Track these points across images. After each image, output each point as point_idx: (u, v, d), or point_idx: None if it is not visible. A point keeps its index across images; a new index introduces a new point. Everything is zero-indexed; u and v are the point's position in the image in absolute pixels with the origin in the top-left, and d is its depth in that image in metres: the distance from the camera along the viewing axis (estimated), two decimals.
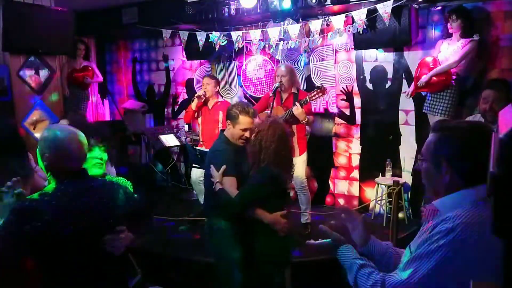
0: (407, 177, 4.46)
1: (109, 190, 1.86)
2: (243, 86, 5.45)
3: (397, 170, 4.50)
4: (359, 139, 4.76)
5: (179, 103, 6.04)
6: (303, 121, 3.77)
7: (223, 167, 2.48)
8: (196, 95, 4.52)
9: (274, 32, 4.29)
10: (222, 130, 2.78)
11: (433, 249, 1.23)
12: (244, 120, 2.62)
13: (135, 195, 2.00)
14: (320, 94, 3.78)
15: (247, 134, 2.62)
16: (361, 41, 4.24)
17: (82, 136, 1.78)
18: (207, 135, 4.49)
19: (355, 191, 4.85)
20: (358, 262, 1.43)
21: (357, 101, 4.73)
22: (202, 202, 4.59)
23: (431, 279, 1.22)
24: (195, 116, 4.60)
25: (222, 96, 5.56)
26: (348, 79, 4.76)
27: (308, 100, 3.76)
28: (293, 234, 2.53)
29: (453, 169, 1.30)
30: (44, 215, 1.59)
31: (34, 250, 1.61)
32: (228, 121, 2.69)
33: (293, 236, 2.56)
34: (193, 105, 4.48)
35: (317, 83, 4.90)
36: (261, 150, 2.35)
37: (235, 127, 2.64)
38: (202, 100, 4.45)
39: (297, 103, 3.69)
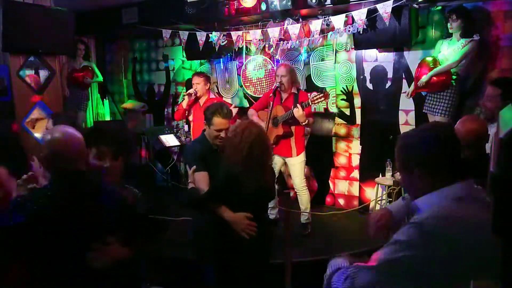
0: None
1: (105, 198, 1.80)
2: (243, 86, 5.45)
3: (397, 170, 4.50)
4: (359, 139, 4.76)
5: (179, 103, 6.04)
6: (303, 123, 3.78)
7: (193, 167, 2.51)
8: (186, 93, 4.52)
9: (274, 32, 4.29)
10: (203, 131, 2.83)
11: (400, 239, 1.26)
12: (217, 122, 2.65)
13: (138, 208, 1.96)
14: (323, 98, 3.77)
15: (222, 134, 2.65)
16: (361, 41, 4.24)
17: (77, 138, 1.77)
18: (198, 133, 4.48)
19: (355, 191, 4.85)
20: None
21: (357, 101, 4.73)
22: None
23: (393, 268, 1.25)
24: (186, 114, 4.59)
25: (218, 92, 5.57)
26: (348, 79, 4.76)
27: (310, 104, 3.76)
28: (264, 241, 2.43)
29: (424, 171, 1.33)
30: (28, 210, 1.58)
31: (19, 247, 1.59)
32: (205, 121, 2.75)
33: (264, 244, 2.45)
34: (184, 104, 4.48)
35: (317, 83, 4.91)
36: (233, 152, 2.29)
37: (210, 128, 2.69)
38: (193, 98, 4.44)
39: (298, 105, 3.68)
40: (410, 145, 1.38)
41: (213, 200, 2.37)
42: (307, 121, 3.77)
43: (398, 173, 1.51)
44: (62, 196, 1.67)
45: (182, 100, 4.53)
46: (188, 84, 5.90)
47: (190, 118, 4.62)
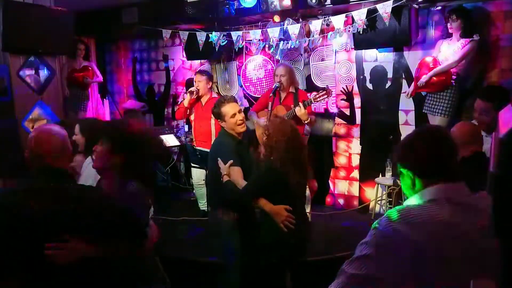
0: None
1: (85, 198, 1.73)
2: (243, 86, 5.45)
3: (397, 170, 4.49)
4: (359, 139, 4.76)
5: (179, 103, 6.03)
6: (305, 121, 3.77)
7: (230, 161, 2.55)
8: (188, 90, 4.50)
9: (274, 32, 4.29)
10: (221, 129, 2.87)
11: (370, 238, 1.29)
12: (227, 109, 2.71)
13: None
14: (326, 96, 3.76)
15: (239, 116, 2.71)
16: (361, 41, 4.24)
17: (59, 135, 1.78)
18: (199, 132, 4.48)
19: (355, 191, 4.85)
20: None
21: (357, 101, 4.73)
22: (201, 205, 4.61)
23: (363, 264, 1.25)
24: (187, 113, 4.58)
25: (218, 92, 5.57)
26: (348, 79, 4.76)
27: (313, 101, 3.75)
28: (301, 233, 2.48)
29: (413, 174, 1.38)
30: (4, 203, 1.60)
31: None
32: (218, 120, 2.81)
33: (301, 235, 2.50)
34: (185, 102, 4.46)
35: (317, 83, 4.91)
36: (272, 149, 2.38)
37: (225, 119, 2.73)
38: (195, 97, 4.42)
39: (300, 104, 3.68)
40: (398, 147, 1.45)
41: (255, 194, 2.43)
42: (309, 119, 3.77)
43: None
44: (33, 192, 1.64)
45: (183, 99, 4.51)
46: (189, 84, 5.91)
47: (192, 117, 4.61)
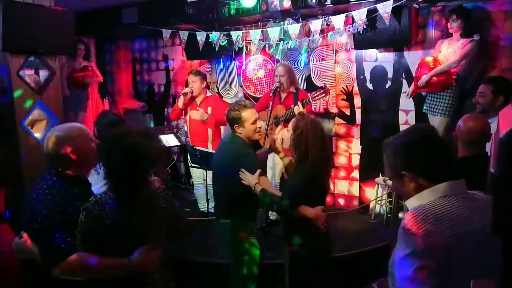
0: None
1: (49, 193, 1.76)
2: (243, 86, 5.45)
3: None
4: (359, 139, 4.76)
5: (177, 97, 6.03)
6: None
7: (259, 170, 2.51)
8: (182, 92, 4.49)
9: (274, 32, 4.29)
10: (233, 136, 2.75)
11: (411, 248, 1.25)
12: (249, 115, 2.65)
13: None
14: (323, 94, 3.76)
15: (258, 124, 2.67)
16: (361, 41, 4.24)
17: (48, 134, 1.86)
18: (195, 132, 4.48)
19: (355, 191, 4.85)
20: None
21: (357, 101, 4.73)
22: (200, 205, 4.61)
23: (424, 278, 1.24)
24: (182, 114, 4.58)
25: (218, 92, 5.57)
26: (348, 79, 4.76)
27: (311, 100, 3.75)
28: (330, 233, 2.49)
29: (415, 175, 1.35)
30: None
31: None
32: (235, 125, 2.69)
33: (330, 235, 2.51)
34: (180, 103, 4.46)
35: (317, 83, 4.91)
36: (308, 149, 2.34)
37: (244, 126, 2.66)
38: (189, 97, 4.42)
39: (299, 103, 3.68)
40: (395, 150, 1.41)
41: (301, 200, 2.37)
42: None
43: (389, 180, 1.50)
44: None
45: (178, 100, 4.50)
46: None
47: (187, 117, 4.61)
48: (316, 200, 2.40)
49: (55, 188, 1.76)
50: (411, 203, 1.37)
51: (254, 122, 2.67)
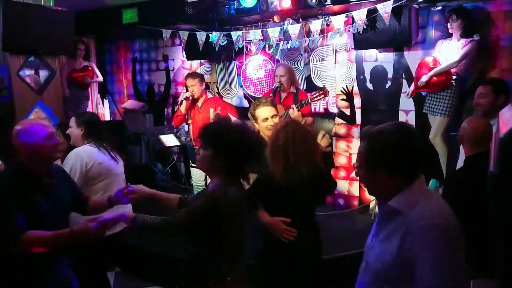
0: None
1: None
2: (243, 86, 5.44)
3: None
4: (359, 139, 4.75)
5: (176, 109, 6.01)
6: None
7: None
8: (183, 97, 4.43)
9: (274, 32, 4.29)
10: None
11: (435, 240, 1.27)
12: (260, 112, 2.71)
13: None
14: (322, 96, 3.75)
15: (269, 122, 2.68)
16: (361, 41, 4.24)
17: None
18: (198, 132, 4.44)
19: (355, 191, 4.85)
20: None
21: (357, 101, 4.73)
22: None
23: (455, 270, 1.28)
24: (185, 119, 4.53)
25: (218, 92, 5.56)
26: (348, 79, 4.76)
27: (310, 101, 3.74)
28: (308, 246, 2.34)
29: (392, 171, 1.36)
30: None
31: None
32: (252, 121, 2.80)
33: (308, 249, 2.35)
34: (182, 108, 4.39)
35: (317, 83, 4.91)
36: (270, 154, 2.21)
37: (258, 122, 2.73)
38: (190, 101, 4.39)
39: (293, 106, 3.61)
40: (374, 145, 1.40)
41: (253, 202, 2.23)
42: (304, 121, 3.74)
43: (356, 169, 1.49)
44: None
45: (180, 105, 4.46)
46: None
47: (189, 121, 4.58)
48: (272, 210, 2.28)
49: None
50: (399, 203, 1.37)
51: (265, 120, 2.70)
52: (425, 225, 1.27)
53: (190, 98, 4.34)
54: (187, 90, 4.61)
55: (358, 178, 1.52)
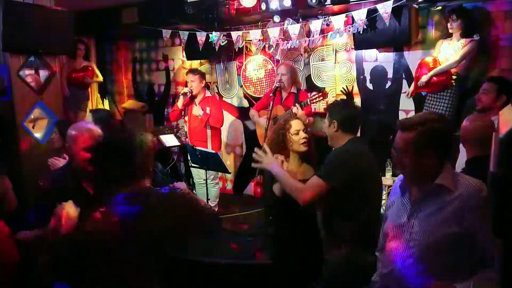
0: None
1: None
2: (243, 86, 5.44)
3: (397, 170, 4.49)
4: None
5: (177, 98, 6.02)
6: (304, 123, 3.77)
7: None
8: (181, 92, 4.47)
9: (274, 32, 4.29)
10: None
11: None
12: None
13: None
14: (321, 98, 3.77)
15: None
16: (361, 41, 4.24)
17: None
18: (195, 132, 4.47)
19: None
20: None
21: (357, 101, 4.73)
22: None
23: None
24: (182, 114, 4.57)
25: (218, 92, 5.57)
26: (348, 79, 4.76)
27: (309, 103, 3.75)
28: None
29: (439, 154, 1.58)
30: None
31: None
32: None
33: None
34: (179, 104, 4.44)
35: (317, 83, 4.91)
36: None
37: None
38: (189, 97, 4.41)
39: (297, 105, 3.68)
40: (425, 132, 1.60)
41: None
42: (307, 120, 3.76)
43: (398, 158, 1.71)
44: None
45: (177, 100, 4.49)
46: None
47: (186, 118, 4.60)
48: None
49: None
50: (446, 182, 1.58)
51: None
52: (479, 205, 1.42)
53: (188, 94, 4.36)
54: (186, 86, 4.63)
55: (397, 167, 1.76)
